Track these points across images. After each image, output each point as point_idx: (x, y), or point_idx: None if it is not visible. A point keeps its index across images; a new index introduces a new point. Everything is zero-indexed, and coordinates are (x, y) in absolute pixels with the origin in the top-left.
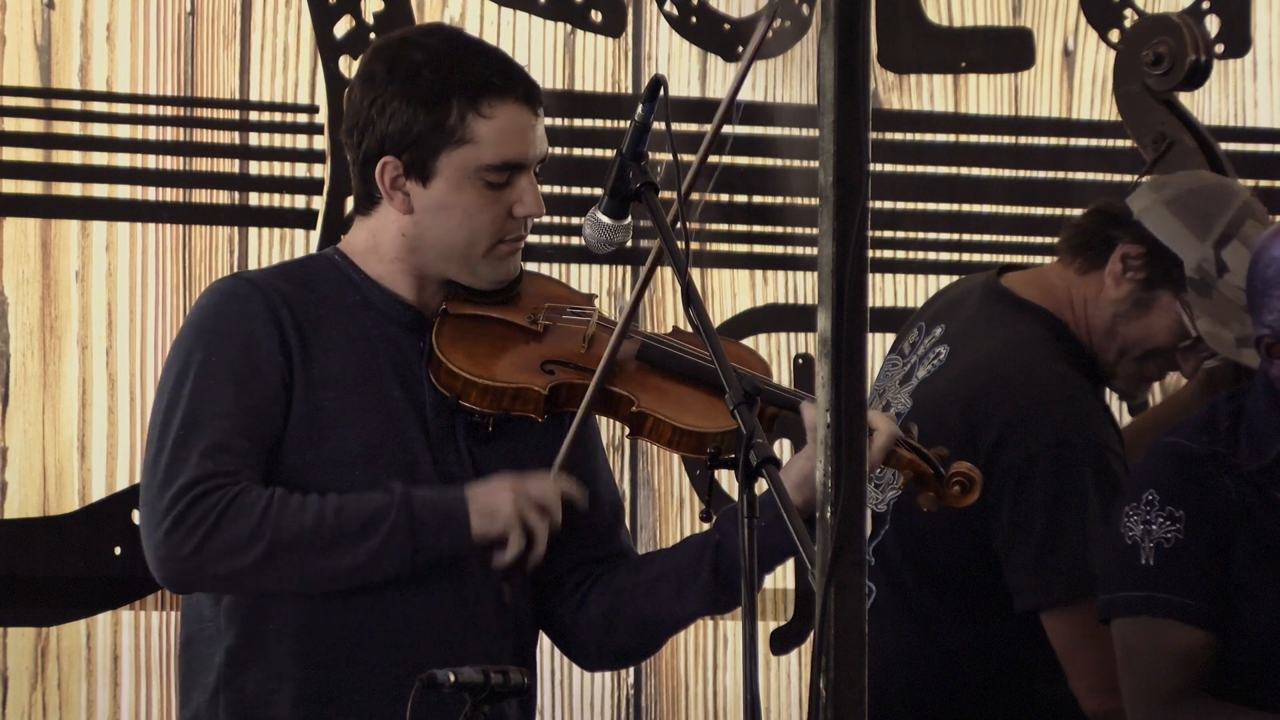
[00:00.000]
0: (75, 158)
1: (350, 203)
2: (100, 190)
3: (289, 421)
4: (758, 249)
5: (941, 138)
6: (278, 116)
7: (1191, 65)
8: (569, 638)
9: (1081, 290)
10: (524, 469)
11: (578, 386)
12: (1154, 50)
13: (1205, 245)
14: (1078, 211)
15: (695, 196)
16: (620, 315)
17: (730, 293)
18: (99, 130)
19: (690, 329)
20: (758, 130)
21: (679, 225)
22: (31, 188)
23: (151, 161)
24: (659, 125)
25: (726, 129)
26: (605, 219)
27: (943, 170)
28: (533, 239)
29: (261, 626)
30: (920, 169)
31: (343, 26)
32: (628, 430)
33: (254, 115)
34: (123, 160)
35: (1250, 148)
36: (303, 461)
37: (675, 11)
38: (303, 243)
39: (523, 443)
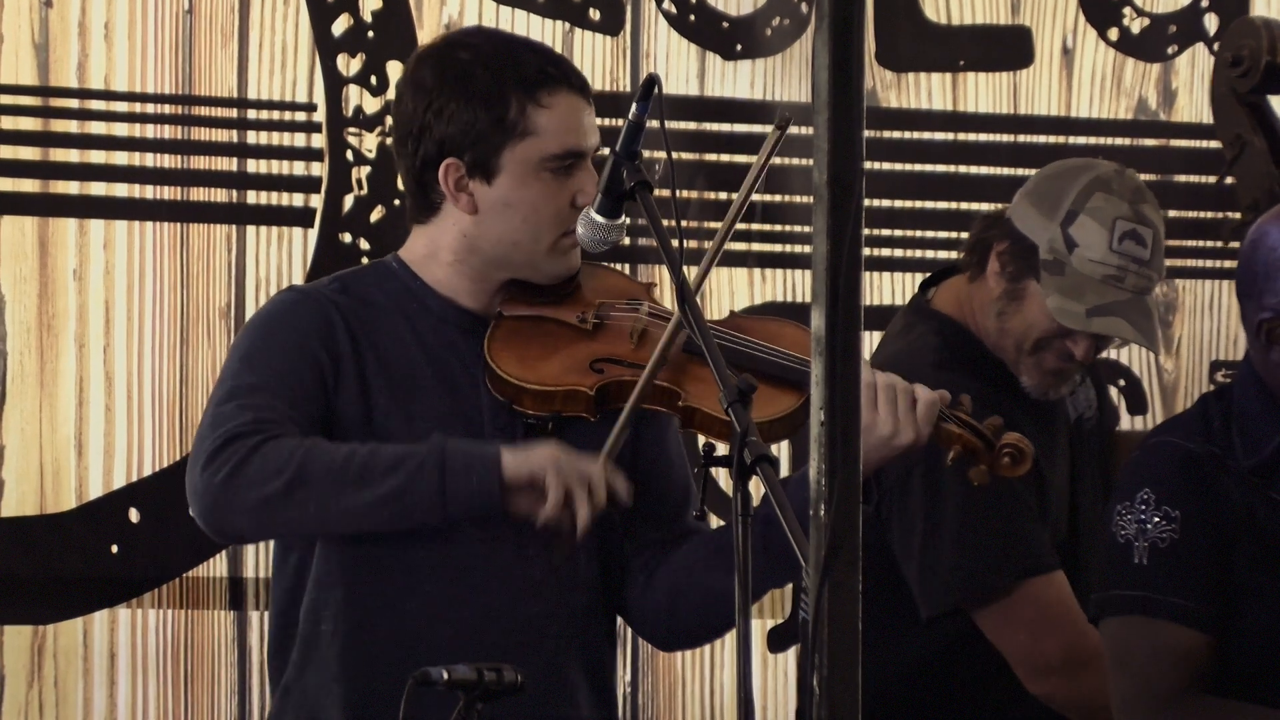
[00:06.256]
0: (73, 156)
1: (349, 201)
2: (98, 188)
3: (342, 427)
4: (756, 247)
5: (940, 136)
6: (276, 115)
7: (1267, 66)
8: (639, 620)
9: (976, 296)
10: None
11: (627, 384)
12: (1234, 52)
13: (1053, 225)
14: None
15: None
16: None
17: (729, 291)
18: (97, 128)
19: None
20: (755, 128)
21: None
22: (29, 186)
23: (149, 160)
24: (654, 123)
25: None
26: (599, 218)
27: (941, 169)
28: None
29: (316, 628)
30: (919, 167)
31: (341, 25)
32: (679, 422)
33: (252, 113)
34: (120, 158)
35: None
36: None
37: (674, 10)
38: (300, 241)
39: (579, 443)
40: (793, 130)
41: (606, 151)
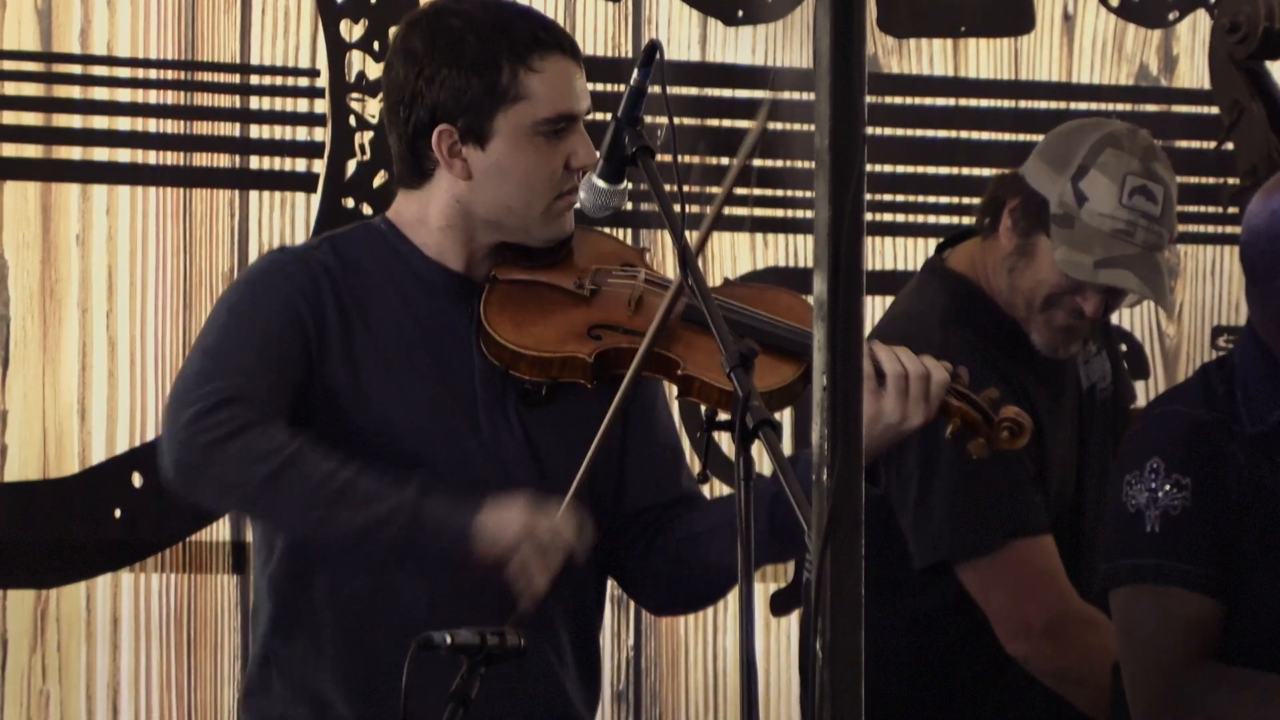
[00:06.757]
0: (76, 121)
1: (352, 166)
2: (101, 154)
3: (328, 393)
4: (758, 212)
5: (941, 101)
6: (279, 80)
7: (1265, 32)
8: (637, 586)
9: (989, 254)
10: (575, 434)
11: (625, 350)
12: (1232, 19)
13: (1063, 179)
14: None
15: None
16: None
17: (731, 255)
18: (99, 94)
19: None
20: (758, 94)
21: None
22: (32, 151)
23: (152, 125)
24: (655, 89)
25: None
26: (601, 183)
27: (942, 134)
28: None
29: (304, 595)
30: (920, 132)
31: None
32: (677, 391)
33: (255, 79)
34: (123, 124)
35: None
36: (348, 438)
37: None
38: (304, 206)
39: (574, 408)
40: (795, 96)
41: (608, 117)
